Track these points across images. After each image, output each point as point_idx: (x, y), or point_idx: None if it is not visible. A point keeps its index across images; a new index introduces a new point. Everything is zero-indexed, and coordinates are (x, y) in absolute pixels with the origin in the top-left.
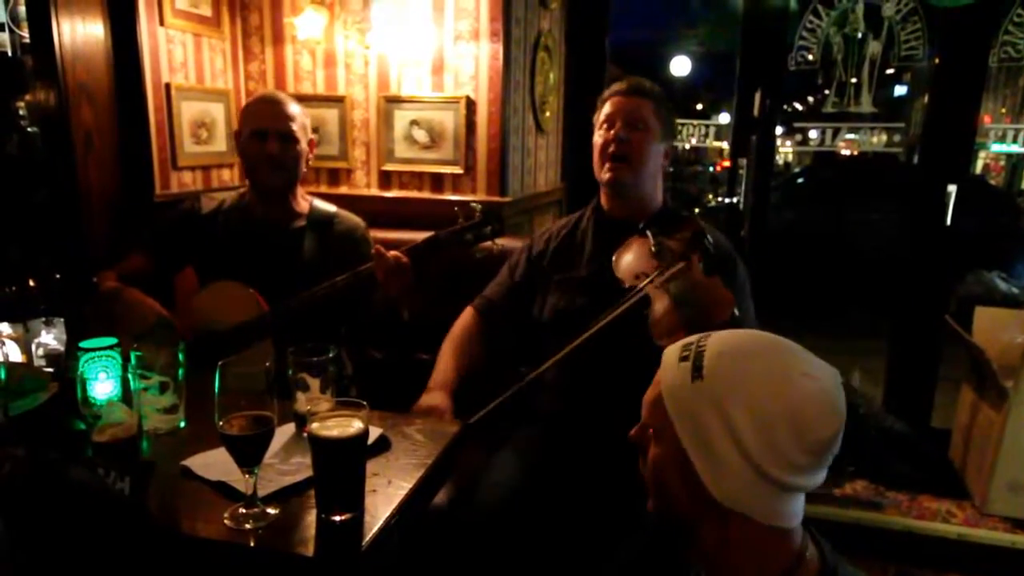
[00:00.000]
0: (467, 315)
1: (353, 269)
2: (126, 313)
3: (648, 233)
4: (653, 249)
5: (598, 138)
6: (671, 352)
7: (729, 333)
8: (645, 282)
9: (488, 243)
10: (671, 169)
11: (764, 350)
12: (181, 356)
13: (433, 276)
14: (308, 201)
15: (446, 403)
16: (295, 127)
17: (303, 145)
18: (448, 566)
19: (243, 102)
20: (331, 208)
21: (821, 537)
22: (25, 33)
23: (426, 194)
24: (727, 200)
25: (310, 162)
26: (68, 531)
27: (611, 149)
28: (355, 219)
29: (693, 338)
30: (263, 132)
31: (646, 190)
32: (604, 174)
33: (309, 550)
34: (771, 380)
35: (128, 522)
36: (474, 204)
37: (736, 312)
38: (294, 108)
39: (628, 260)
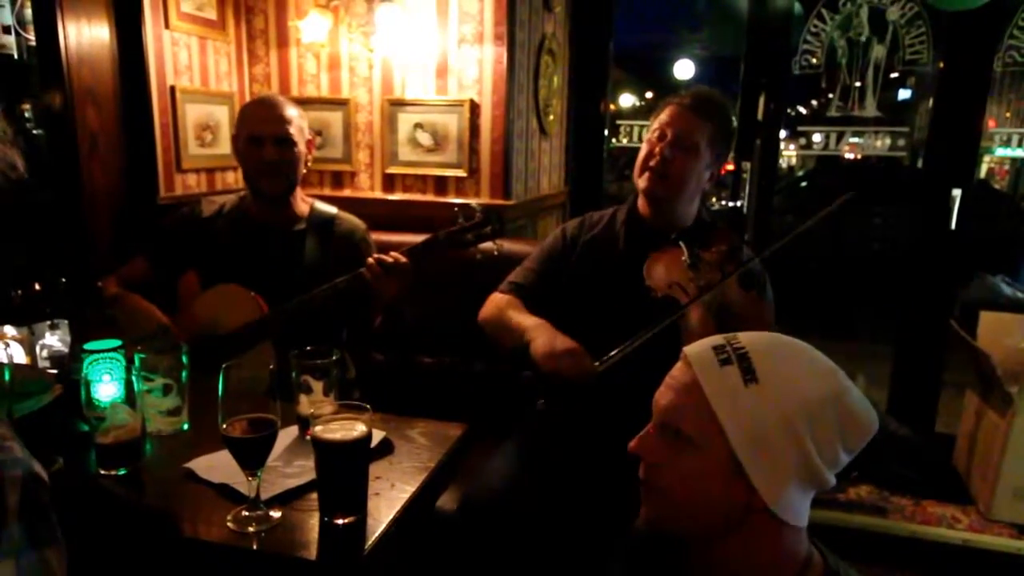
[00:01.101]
0: (499, 297)
1: (353, 271)
2: (126, 320)
3: (682, 244)
4: (687, 260)
5: (646, 143)
6: (704, 355)
7: (757, 334)
8: (680, 293)
9: (489, 244)
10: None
11: (803, 351)
12: (185, 359)
13: (434, 278)
14: (308, 203)
15: (574, 342)
16: (292, 130)
17: (301, 147)
18: (451, 569)
19: None
20: (332, 210)
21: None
22: (31, 36)
23: (429, 197)
24: (730, 203)
25: (309, 163)
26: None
27: (652, 163)
28: (356, 221)
29: (719, 340)
30: (259, 138)
31: (681, 204)
32: (641, 181)
33: (312, 553)
34: (821, 381)
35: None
36: (474, 204)
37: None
38: (290, 110)
39: (661, 270)
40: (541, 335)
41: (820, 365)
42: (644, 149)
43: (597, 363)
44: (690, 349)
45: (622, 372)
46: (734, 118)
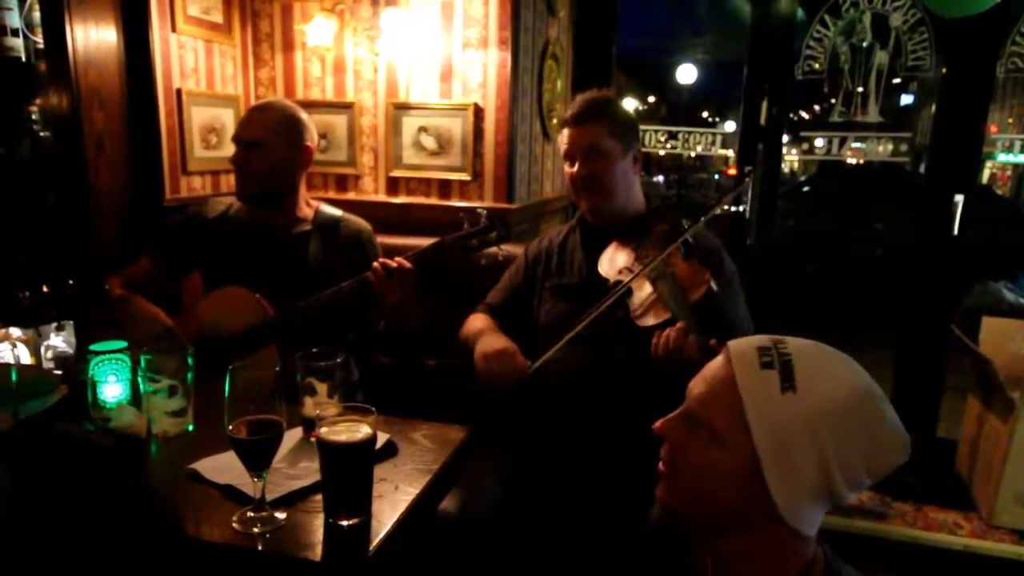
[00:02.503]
0: (472, 314)
1: (359, 274)
2: (131, 322)
3: (629, 232)
4: (633, 245)
5: (566, 169)
6: (748, 354)
7: (806, 343)
8: (628, 277)
9: (494, 249)
10: (658, 178)
11: (849, 369)
12: (190, 360)
13: (439, 282)
14: (314, 206)
15: (511, 344)
16: (265, 134)
17: (279, 152)
18: (454, 571)
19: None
20: (337, 212)
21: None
22: (39, 38)
23: (433, 200)
24: (733, 208)
25: (304, 168)
26: (59, 482)
27: (580, 185)
28: (361, 223)
29: (766, 341)
30: (236, 140)
31: (622, 201)
32: (581, 202)
33: (316, 554)
34: (859, 403)
35: (119, 472)
36: (480, 210)
37: (714, 286)
38: (275, 115)
39: (611, 259)
40: (481, 340)
41: (859, 386)
42: (568, 176)
43: (530, 363)
44: (735, 345)
45: (580, 354)
46: (625, 108)
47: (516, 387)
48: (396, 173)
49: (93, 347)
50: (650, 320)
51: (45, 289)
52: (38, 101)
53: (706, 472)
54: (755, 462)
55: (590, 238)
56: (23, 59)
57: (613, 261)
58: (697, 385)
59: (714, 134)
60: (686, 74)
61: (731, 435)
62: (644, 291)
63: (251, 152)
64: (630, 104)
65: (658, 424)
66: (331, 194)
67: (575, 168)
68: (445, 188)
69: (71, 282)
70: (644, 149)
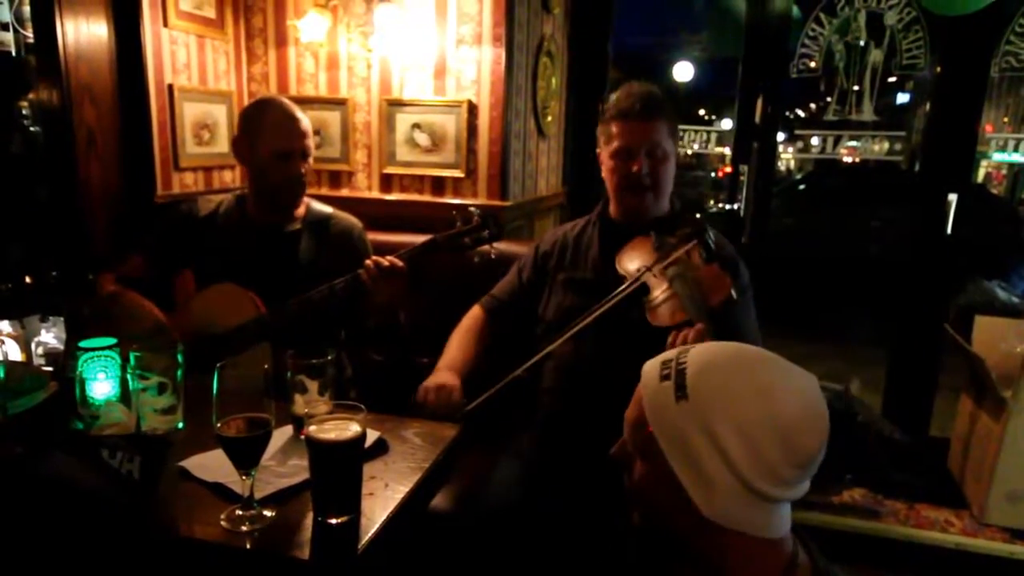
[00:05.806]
0: (474, 312)
1: (351, 271)
2: (124, 317)
3: (652, 232)
4: (654, 244)
5: (613, 167)
6: (651, 370)
7: (709, 348)
8: (644, 270)
9: (486, 247)
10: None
11: (746, 365)
12: (180, 357)
13: (432, 280)
14: (304, 203)
15: (455, 381)
16: (311, 142)
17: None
18: (445, 570)
19: (245, 104)
20: (327, 209)
21: (809, 541)
22: (29, 33)
23: (427, 197)
24: (728, 206)
25: None
26: (40, 528)
27: (646, 182)
28: (351, 220)
29: (672, 354)
30: (288, 153)
31: (661, 202)
32: (630, 200)
33: (305, 553)
34: (756, 396)
35: (112, 516)
36: (472, 208)
37: (734, 294)
38: (306, 120)
39: (630, 256)
40: (437, 368)
41: (762, 387)
42: (618, 171)
43: (465, 402)
44: (647, 363)
45: (585, 350)
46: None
47: (449, 420)
48: (389, 170)
49: (83, 344)
50: (665, 319)
51: (28, 280)
52: (29, 96)
53: (646, 488)
54: (671, 471)
55: (609, 234)
56: (13, 54)
57: (632, 259)
58: (628, 408)
59: (710, 132)
60: (682, 71)
61: (648, 449)
62: (660, 288)
63: (306, 162)
64: None
65: (612, 449)
66: (324, 191)
67: (636, 167)
68: (438, 185)
69: (54, 273)
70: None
